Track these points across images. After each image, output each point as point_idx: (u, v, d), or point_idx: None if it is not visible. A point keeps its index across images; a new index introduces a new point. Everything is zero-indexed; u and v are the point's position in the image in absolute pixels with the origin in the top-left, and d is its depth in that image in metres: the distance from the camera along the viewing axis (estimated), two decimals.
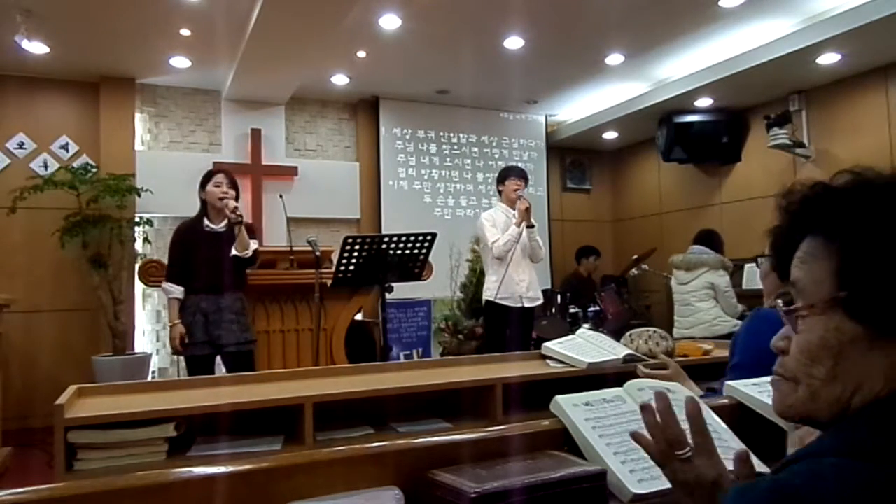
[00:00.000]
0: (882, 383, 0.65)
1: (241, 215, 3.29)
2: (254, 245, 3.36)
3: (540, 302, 4.47)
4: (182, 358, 3.43)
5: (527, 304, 4.29)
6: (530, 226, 4.20)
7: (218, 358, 3.38)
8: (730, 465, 0.85)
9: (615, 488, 1.02)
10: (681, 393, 1.26)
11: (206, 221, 3.38)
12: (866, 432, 0.62)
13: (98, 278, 5.28)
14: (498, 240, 4.18)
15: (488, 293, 4.28)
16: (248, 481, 0.93)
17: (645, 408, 0.89)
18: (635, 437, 0.92)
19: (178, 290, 3.33)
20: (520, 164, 7.23)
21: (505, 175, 4.42)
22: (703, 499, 0.84)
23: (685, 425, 0.88)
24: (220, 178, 3.38)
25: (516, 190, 4.28)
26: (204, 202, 3.41)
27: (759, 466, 1.11)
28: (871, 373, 0.66)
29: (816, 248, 0.71)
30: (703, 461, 0.86)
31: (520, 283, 4.23)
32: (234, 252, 3.29)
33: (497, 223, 4.29)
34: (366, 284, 3.78)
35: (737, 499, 0.63)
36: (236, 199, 3.37)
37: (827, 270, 0.69)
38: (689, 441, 0.87)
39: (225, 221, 3.36)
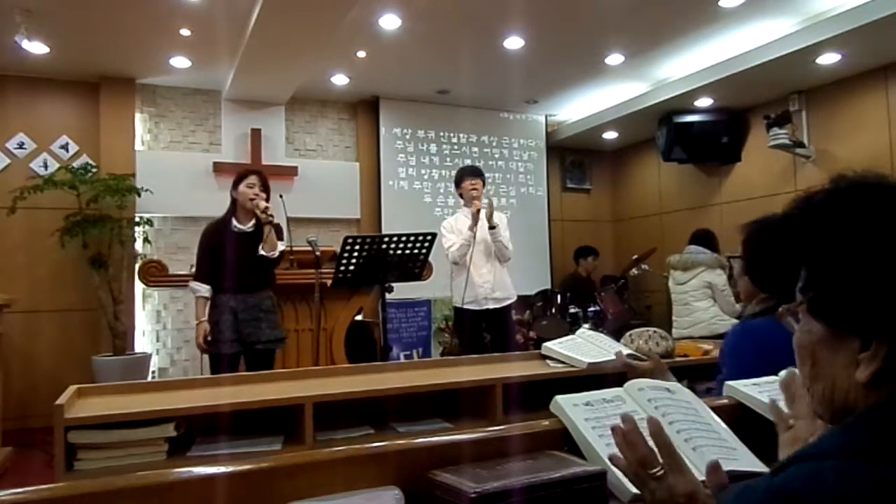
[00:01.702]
0: (848, 381, 0.68)
1: (272, 216, 3.34)
2: (281, 246, 3.44)
3: (510, 301, 4.30)
4: (205, 355, 3.45)
5: (492, 306, 4.18)
6: (492, 227, 4.08)
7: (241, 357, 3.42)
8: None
9: (615, 488, 1.02)
10: (681, 393, 1.26)
11: (234, 222, 3.43)
12: (866, 435, 0.62)
13: (98, 278, 5.28)
14: (452, 245, 4.12)
15: (454, 298, 4.23)
16: (248, 481, 0.93)
17: (614, 430, 0.93)
18: (612, 460, 0.95)
19: (204, 289, 3.38)
20: (520, 164, 7.27)
21: (460, 177, 4.31)
22: None
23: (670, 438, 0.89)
24: (253, 179, 3.44)
25: (472, 189, 4.17)
26: (234, 202, 3.46)
27: (760, 467, 1.11)
28: (838, 371, 0.70)
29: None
30: (676, 478, 0.88)
31: (483, 286, 4.13)
32: (261, 252, 3.34)
33: (455, 228, 4.20)
34: (366, 284, 3.79)
35: (736, 500, 0.63)
36: (267, 200, 3.43)
37: (804, 278, 0.74)
38: (660, 460, 0.89)
39: (253, 221, 3.42)
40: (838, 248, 0.67)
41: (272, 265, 3.48)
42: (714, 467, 0.88)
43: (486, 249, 4.15)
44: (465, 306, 4.11)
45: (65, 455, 1.59)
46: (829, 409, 0.72)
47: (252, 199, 3.37)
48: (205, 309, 3.37)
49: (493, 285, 4.17)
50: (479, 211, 4.03)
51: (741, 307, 4.85)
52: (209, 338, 3.31)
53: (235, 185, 3.46)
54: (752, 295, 1.81)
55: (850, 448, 0.62)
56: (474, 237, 4.04)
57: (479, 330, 4.21)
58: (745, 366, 1.60)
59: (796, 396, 1.08)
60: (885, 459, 0.59)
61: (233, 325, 3.32)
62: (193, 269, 3.57)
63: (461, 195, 4.31)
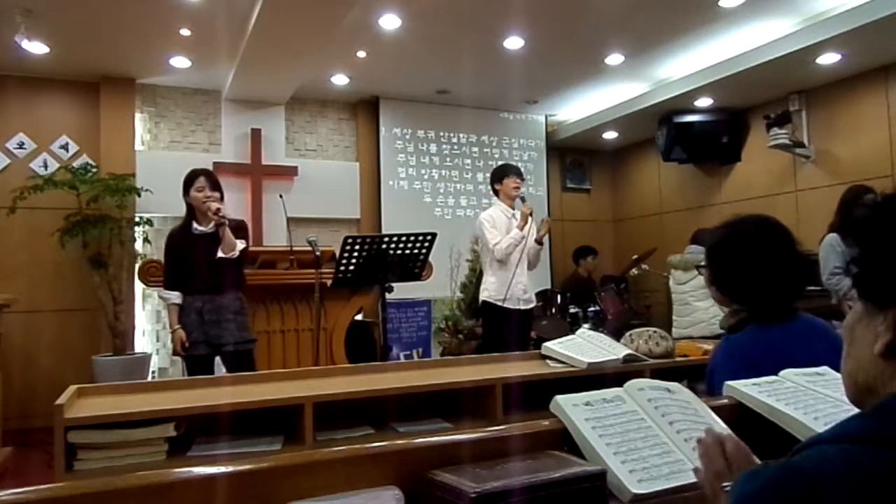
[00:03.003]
0: (870, 357, 0.71)
1: (224, 217, 3.28)
2: (240, 245, 3.36)
3: (534, 305, 4.43)
4: (182, 359, 3.44)
5: (523, 307, 4.24)
6: (539, 242, 4.16)
7: (218, 358, 3.39)
8: None
9: (615, 488, 1.02)
10: (681, 393, 1.26)
11: (194, 224, 3.40)
12: (881, 421, 0.64)
13: (98, 278, 5.28)
14: (500, 242, 4.11)
15: (485, 294, 4.23)
16: (248, 481, 0.93)
17: (700, 441, 0.95)
18: (695, 472, 0.95)
19: (174, 296, 3.35)
20: (520, 164, 7.26)
21: (503, 173, 4.31)
22: None
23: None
24: (201, 181, 3.37)
25: (516, 188, 4.21)
26: (190, 206, 3.43)
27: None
28: (865, 347, 0.73)
29: None
30: None
31: (518, 286, 4.16)
32: (219, 254, 3.30)
33: (497, 224, 4.21)
34: (366, 284, 3.79)
35: (747, 481, 0.65)
36: (221, 198, 3.39)
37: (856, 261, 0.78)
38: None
39: (213, 223, 3.38)
40: (883, 229, 0.71)
41: (236, 265, 3.42)
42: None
43: (525, 252, 4.19)
44: (500, 303, 4.14)
45: (65, 455, 1.59)
46: (854, 388, 0.75)
47: (204, 202, 3.32)
48: (177, 316, 3.33)
49: (526, 287, 4.25)
50: (531, 213, 4.08)
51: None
52: (186, 345, 3.27)
53: (186, 189, 3.40)
54: (724, 303, 1.74)
55: (863, 434, 0.64)
56: (525, 238, 4.07)
57: (506, 327, 4.24)
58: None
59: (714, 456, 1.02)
60: (893, 444, 0.60)
61: (199, 327, 3.29)
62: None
63: (497, 191, 4.31)
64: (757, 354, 1.57)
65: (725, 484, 0.89)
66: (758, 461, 0.92)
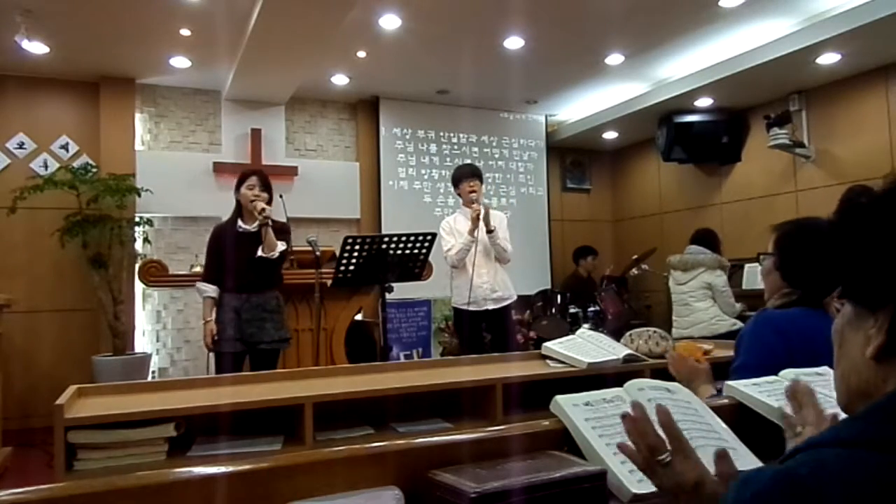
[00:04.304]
0: (862, 360, 0.71)
1: (268, 217, 3.37)
2: (281, 246, 3.45)
3: (510, 301, 4.25)
4: (212, 354, 3.49)
5: (491, 307, 4.13)
6: (489, 231, 4.04)
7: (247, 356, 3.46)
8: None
9: (615, 488, 1.02)
10: (681, 393, 1.26)
11: (239, 222, 3.48)
12: (876, 425, 0.63)
13: (98, 278, 5.28)
14: (451, 248, 4.09)
15: (454, 300, 4.22)
16: (248, 481, 0.93)
17: (624, 417, 0.94)
18: (621, 448, 0.97)
19: (210, 289, 3.43)
20: (520, 164, 7.27)
21: (458, 178, 4.22)
22: (689, 501, 0.88)
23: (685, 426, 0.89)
24: (253, 180, 3.48)
25: (472, 192, 4.11)
26: (238, 203, 3.51)
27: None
28: (856, 350, 0.72)
29: None
30: (683, 464, 0.90)
31: (482, 287, 4.08)
32: (259, 253, 3.37)
33: (454, 230, 4.16)
34: (366, 284, 3.79)
35: (742, 486, 0.64)
36: (269, 201, 3.48)
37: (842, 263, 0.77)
38: (668, 446, 0.91)
39: (257, 222, 3.42)
40: (867, 231, 0.70)
41: (275, 265, 3.50)
42: (722, 455, 0.89)
43: (485, 250, 4.10)
44: (465, 307, 4.09)
45: (65, 455, 1.59)
46: (846, 392, 0.75)
47: (252, 201, 3.41)
48: (212, 309, 3.42)
49: (493, 286, 4.13)
50: (479, 216, 3.98)
51: (741, 307, 4.86)
52: (216, 337, 3.36)
53: (238, 187, 3.51)
54: (775, 290, 1.89)
55: (858, 437, 0.63)
56: (476, 241, 4.01)
57: (479, 330, 4.19)
58: (766, 350, 1.71)
59: (803, 404, 1.10)
60: (892, 448, 0.59)
61: (235, 325, 3.36)
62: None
63: (459, 195, 4.25)
64: (790, 328, 1.72)
65: (661, 457, 0.90)
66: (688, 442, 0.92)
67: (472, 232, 4.01)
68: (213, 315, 3.41)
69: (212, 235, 3.56)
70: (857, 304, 0.73)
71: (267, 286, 3.47)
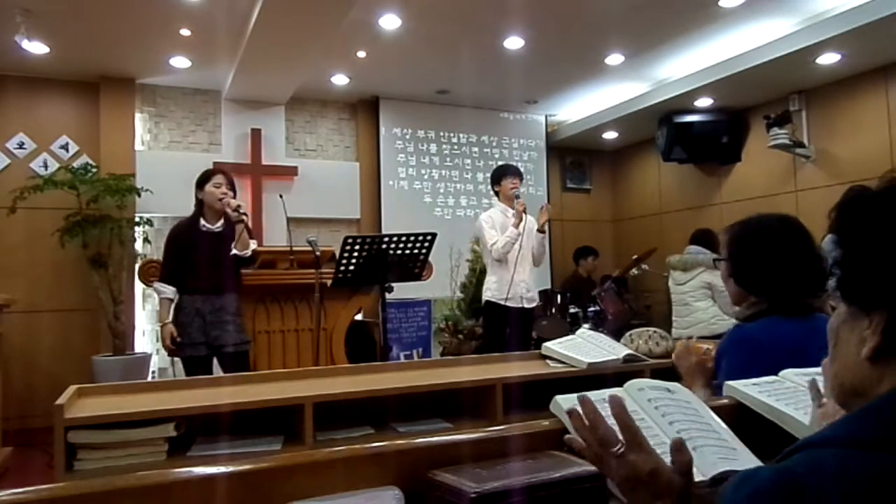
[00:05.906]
0: (856, 360, 0.71)
1: (244, 213, 3.31)
2: (253, 244, 3.38)
3: (537, 303, 4.48)
4: (178, 359, 3.44)
5: (526, 305, 4.30)
6: (541, 230, 4.22)
7: (214, 359, 3.38)
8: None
9: (615, 488, 1.01)
10: (681, 393, 1.26)
11: (202, 222, 3.38)
12: (872, 425, 0.64)
13: (98, 278, 5.28)
14: (497, 241, 4.17)
15: (488, 293, 4.27)
16: (248, 481, 0.93)
17: (571, 413, 0.94)
18: (568, 442, 0.97)
19: (169, 291, 3.34)
20: (520, 164, 7.26)
21: (501, 174, 4.39)
22: (646, 491, 0.88)
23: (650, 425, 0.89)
24: (219, 178, 3.39)
25: (513, 189, 4.27)
26: (200, 202, 3.40)
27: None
28: (850, 350, 0.72)
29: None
30: (637, 455, 0.89)
31: (520, 284, 4.21)
32: (233, 251, 3.30)
33: (496, 224, 4.27)
34: (366, 284, 3.78)
35: (739, 485, 0.64)
36: (234, 198, 3.40)
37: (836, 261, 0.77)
38: (620, 438, 0.90)
39: (222, 221, 3.36)
40: (864, 230, 0.71)
41: (244, 265, 3.42)
42: (677, 445, 0.88)
43: (528, 250, 4.24)
44: (502, 302, 4.18)
45: (65, 455, 1.59)
46: (840, 390, 0.75)
47: (221, 199, 3.32)
48: (169, 311, 3.32)
49: (529, 285, 4.29)
50: (525, 210, 4.14)
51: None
52: (177, 339, 3.25)
53: (200, 185, 3.39)
54: (741, 298, 1.77)
55: (854, 437, 0.63)
56: (522, 235, 4.12)
57: (507, 326, 4.27)
58: (738, 368, 1.58)
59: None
60: (887, 448, 0.59)
61: (201, 328, 3.27)
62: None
63: (497, 192, 4.40)
64: (767, 344, 1.61)
65: (614, 449, 0.90)
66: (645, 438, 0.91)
67: (516, 225, 4.13)
68: (171, 317, 3.31)
69: (171, 235, 3.43)
70: (851, 304, 0.72)
71: (228, 288, 3.36)
